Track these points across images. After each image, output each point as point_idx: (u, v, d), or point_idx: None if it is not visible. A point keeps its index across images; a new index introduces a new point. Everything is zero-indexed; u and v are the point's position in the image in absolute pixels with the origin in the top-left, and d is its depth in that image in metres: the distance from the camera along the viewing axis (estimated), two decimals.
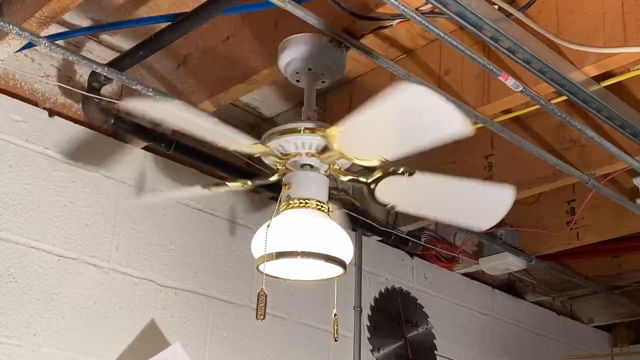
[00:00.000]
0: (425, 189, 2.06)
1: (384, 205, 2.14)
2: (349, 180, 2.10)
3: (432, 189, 2.06)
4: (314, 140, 2.00)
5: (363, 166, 2.03)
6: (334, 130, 1.89)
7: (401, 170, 1.99)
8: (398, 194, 2.09)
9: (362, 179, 2.06)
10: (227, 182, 2.18)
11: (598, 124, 2.64)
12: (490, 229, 3.73)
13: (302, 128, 1.99)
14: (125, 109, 2.11)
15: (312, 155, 2.02)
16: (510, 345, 4.29)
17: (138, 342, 2.67)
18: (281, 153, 2.05)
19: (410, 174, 1.99)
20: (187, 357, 2.68)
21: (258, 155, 2.07)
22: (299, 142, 2.00)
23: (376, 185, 2.05)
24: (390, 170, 2.00)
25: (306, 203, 2.03)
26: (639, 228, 3.51)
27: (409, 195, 2.09)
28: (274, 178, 2.12)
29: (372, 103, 1.65)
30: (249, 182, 2.17)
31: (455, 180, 2.03)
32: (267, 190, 3.06)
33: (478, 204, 2.08)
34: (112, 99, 2.74)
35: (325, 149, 2.00)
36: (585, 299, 4.89)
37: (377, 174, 2.03)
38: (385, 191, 2.06)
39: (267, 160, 2.10)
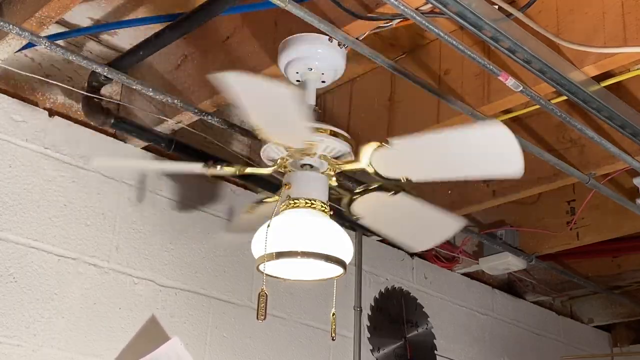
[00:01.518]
0: (422, 152, 2.00)
1: (397, 180, 2.12)
2: (350, 171, 2.11)
3: (426, 150, 2.00)
4: (337, 146, 2.03)
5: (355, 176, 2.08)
6: (372, 146, 1.93)
7: (392, 191, 2.03)
8: (402, 166, 2.06)
9: (359, 165, 2.06)
10: (264, 200, 2.21)
11: (598, 124, 2.64)
12: (490, 229, 3.78)
13: (329, 130, 2.03)
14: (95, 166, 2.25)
15: (309, 154, 2.03)
16: (510, 345, 4.29)
17: (139, 339, 2.67)
18: (270, 160, 2.08)
19: (395, 194, 2.04)
20: (186, 351, 2.68)
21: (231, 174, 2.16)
22: (324, 146, 2.03)
23: (359, 197, 2.08)
24: (379, 185, 2.04)
25: (306, 203, 2.04)
26: (639, 228, 3.51)
27: (415, 164, 2.05)
28: (269, 170, 2.13)
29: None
30: (244, 169, 2.18)
31: (440, 133, 1.99)
32: (268, 190, 3.06)
33: (485, 146, 1.99)
34: (112, 99, 2.74)
35: (344, 156, 2.02)
36: (585, 299, 4.89)
37: (366, 152, 2.04)
38: (387, 167, 2.05)
39: (267, 161, 2.11)
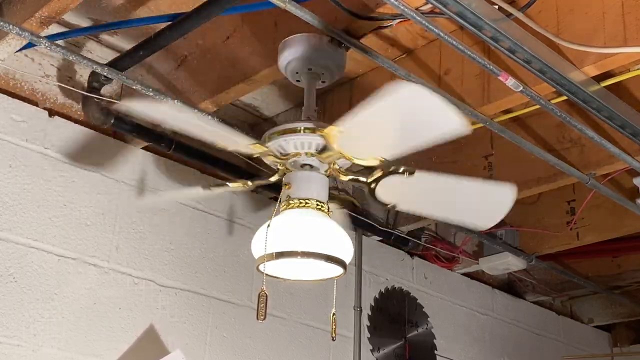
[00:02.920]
0: (426, 188, 2.06)
1: (385, 205, 2.14)
2: (350, 180, 2.10)
3: (432, 187, 2.06)
4: (314, 140, 2.00)
5: (363, 166, 2.04)
6: (332, 130, 1.89)
7: (401, 169, 1.99)
8: (398, 193, 2.09)
9: (363, 179, 2.07)
10: (227, 183, 2.18)
11: (598, 124, 2.64)
12: (490, 228, 3.76)
13: (302, 128, 1.99)
14: (124, 109, 2.11)
15: (312, 155, 2.02)
16: (510, 345, 4.29)
17: (138, 350, 2.66)
18: (281, 153, 2.05)
19: (411, 174, 1.99)
20: None
21: (257, 155, 2.07)
22: (299, 142, 2.00)
23: (376, 184, 2.05)
24: (391, 169, 2.00)
25: (306, 203, 2.03)
26: (639, 228, 3.51)
27: (410, 195, 2.09)
28: (274, 178, 2.12)
29: (369, 102, 1.65)
30: (249, 183, 2.17)
31: (455, 178, 2.03)
32: (267, 190, 3.06)
33: (479, 202, 2.08)
34: (112, 99, 2.74)
35: (324, 149, 1.99)
36: (585, 299, 4.89)
37: (377, 174, 2.03)
38: (385, 191, 2.06)
39: (267, 160, 2.10)
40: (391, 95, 1.60)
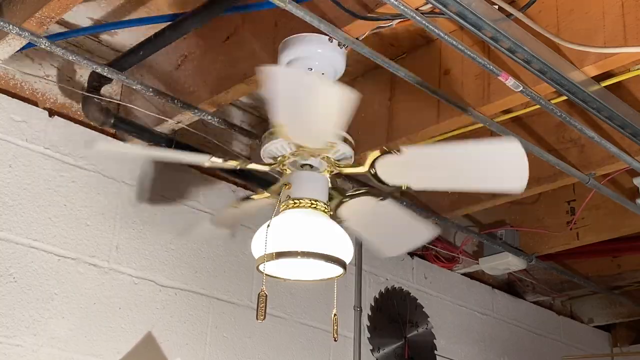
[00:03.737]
0: (428, 161, 2.02)
1: (399, 188, 2.12)
2: (350, 173, 2.11)
3: (433, 159, 2.02)
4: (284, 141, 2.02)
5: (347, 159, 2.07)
6: (280, 128, 1.89)
7: (389, 150, 1.99)
8: (404, 173, 2.07)
9: (361, 168, 2.06)
10: (252, 197, 2.21)
11: (598, 124, 2.64)
12: (490, 229, 3.78)
13: (268, 133, 2.02)
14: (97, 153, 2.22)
15: (297, 153, 2.02)
16: (510, 345, 4.29)
17: (134, 355, 2.66)
18: (271, 157, 2.07)
19: (398, 151, 1.98)
20: None
21: (238, 167, 2.12)
22: (279, 145, 2.04)
23: (375, 169, 2.05)
24: (381, 151, 2.01)
25: (306, 203, 2.03)
26: (639, 228, 3.51)
27: (416, 172, 2.05)
28: (267, 168, 2.13)
29: (273, 96, 1.68)
30: (267, 193, 2.18)
31: (450, 145, 1.99)
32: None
33: (492, 163, 1.97)
34: (112, 99, 2.74)
35: (299, 146, 2.01)
36: (585, 299, 4.89)
37: (370, 159, 2.03)
38: (390, 174, 2.05)
39: (266, 159, 2.11)
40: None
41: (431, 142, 2.95)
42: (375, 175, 2.05)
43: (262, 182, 2.85)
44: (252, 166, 2.16)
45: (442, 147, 1.98)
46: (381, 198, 2.13)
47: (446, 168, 2.00)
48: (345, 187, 2.40)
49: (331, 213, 2.08)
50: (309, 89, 1.70)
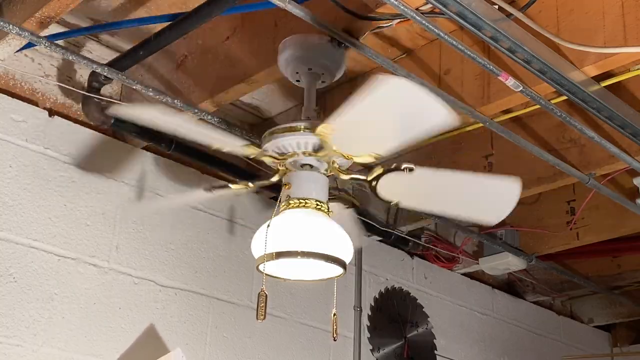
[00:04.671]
0: (428, 184, 2.05)
1: (388, 202, 2.13)
2: (350, 179, 2.10)
3: (434, 183, 2.05)
4: (309, 140, 1.99)
5: (362, 165, 2.04)
6: (325, 128, 1.89)
7: (402, 166, 1.99)
8: (400, 190, 2.08)
9: (363, 177, 2.06)
10: (229, 185, 2.18)
11: (598, 124, 2.64)
12: (490, 228, 3.78)
13: (297, 127, 1.99)
14: (121, 113, 2.11)
15: (310, 154, 2.02)
16: (510, 345, 4.29)
17: (137, 349, 2.66)
18: (278, 153, 2.04)
19: (411, 170, 1.98)
20: None
21: (253, 156, 2.08)
22: (294, 142, 2.00)
23: (377, 182, 2.05)
24: (392, 167, 2.00)
25: (306, 203, 2.03)
26: (639, 228, 3.51)
27: (412, 191, 2.08)
28: (275, 178, 2.12)
29: (356, 98, 1.65)
30: (251, 184, 2.17)
31: (457, 174, 2.03)
32: (268, 190, 3.06)
33: (484, 197, 2.05)
34: (112, 99, 2.74)
35: (320, 148, 1.99)
36: (585, 299, 4.89)
37: (378, 171, 2.03)
38: (387, 188, 2.06)
39: (266, 161, 2.10)
40: (377, 89, 1.60)
41: (430, 142, 2.96)
42: (372, 187, 2.06)
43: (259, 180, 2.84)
44: (259, 184, 2.16)
45: (451, 174, 2.00)
46: (410, 169, 2.06)
47: (442, 194, 2.04)
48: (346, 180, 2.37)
49: (331, 212, 2.08)
50: (414, 100, 1.66)
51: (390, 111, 1.70)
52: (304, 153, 2.01)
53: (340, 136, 1.88)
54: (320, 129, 1.91)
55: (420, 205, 2.22)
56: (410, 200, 2.16)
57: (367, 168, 2.05)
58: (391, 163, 2.00)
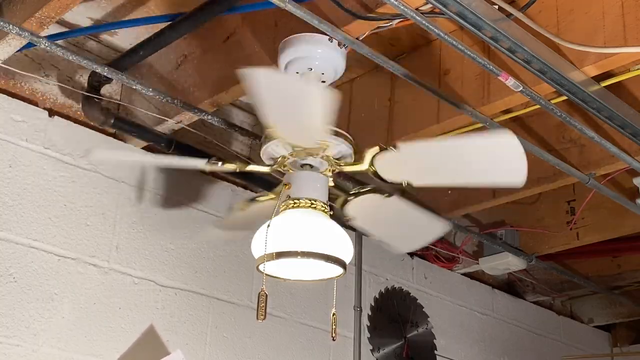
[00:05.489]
0: (428, 157, 2.01)
1: (399, 185, 2.12)
2: (350, 171, 2.11)
3: (432, 155, 2.01)
4: (339, 146, 2.03)
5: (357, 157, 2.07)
6: (271, 130, 1.91)
7: (385, 146, 1.99)
8: (403, 170, 2.07)
9: (361, 167, 2.06)
10: (257, 199, 2.21)
11: (598, 124, 2.64)
12: (490, 229, 3.78)
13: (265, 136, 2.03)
14: (95, 160, 2.26)
15: (297, 154, 2.03)
16: (510, 345, 4.29)
17: (138, 350, 2.66)
18: (273, 159, 2.07)
19: (394, 147, 1.98)
20: None
21: (239, 170, 2.13)
22: (276, 147, 2.04)
23: (374, 167, 2.05)
24: (378, 148, 2.01)
25: (306, 203, 2.03)
26: (639, 228, 3.51)
27: (416, 168, 2.05)
28: (266, 169, 2.13)
29: (256, 96, 1.69)
30: (272, 195, 2.17)
31: (445, 140, 1.99)
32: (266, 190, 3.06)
33: (493, 157, 1.96)
34: (112, 99, 2.74)
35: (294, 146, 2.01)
36: (585, 299, 4.88)
37: (368, 157, 2.03)
38: (389, 171, 2.05)
39: (267, 160, 2.11)
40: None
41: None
42: (375, 173, 2.06)
43: (262, 182, 2.85)
44: (251, 168, 2.16)
45: (438, 142, 1.98)
46: (387, 195, 2.13)
47: (445, 164, 2.00)
48: (348, 186, 2.39)
49: (331, 213, 2.08)
50: (291, 90, 1.72)
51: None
52: (291, 154, 2.03)
53: (283, 132, 1.93)
54: (269, 132, 1.95)
55: (433, 180, 2.16)
56: (419, 178, 2.11)
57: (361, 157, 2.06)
58: (384, 146, 2.01)
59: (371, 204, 2.17)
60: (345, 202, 2.17)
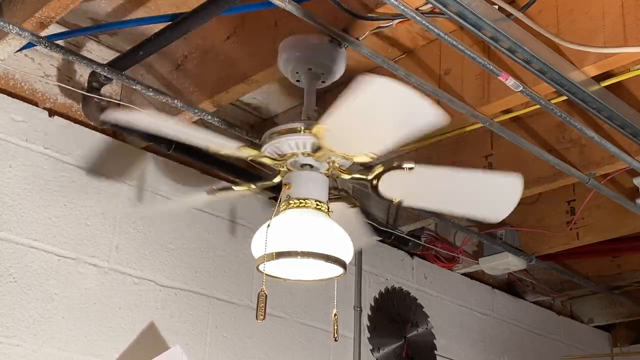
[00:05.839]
0: (429, 182, 2.05)
1: (390, 201, 2.13)
2: (351, 179, 2.11)
3: (436, 181, 2.05)
4: (307, 140, 1.99)
5: (362, 165, 2.04)
6: (321, 129, 1.89)
7: (403, 165, 1.99)
8: (401, 188, 2.08)
9: (363, 177, 2.07)
10: (232, 187, 2.18)
11: (598, 124, 2.64)
12: (490, 228, 3.78)
13: (300, 128, 1.99)
14: (118, 119, 2.12)
15: (309, 154, 2.02)
16: (510, 345, 4.29)
17: (138, 346, 2.67)
18: (278, 154, 2.05)
19: (411, 169, 1.99)
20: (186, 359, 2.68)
21: (251, 158, 2.08)
22: (293, 143, 2.00)
23: (378, 181, 2.05)
24: (393, 165, 2.01)
25: (306, 203, 2.03)
26: (639, 228, 3.51)
27: (414, 190, 2.07)
28: (277, 179, 2.12)
29: (344, 99, 1.66)
30: (253, 186, 2.17)
31: (458, 171, 2.02)
32: (268, 191, 3.06)
33: (486, 194, 2.04)
34: (112, 99, 2.74)
35: (318, 148, 1.99)
36: (585, 299, 4.89)
37: (378, 170, 2.03)
38: (388, 187, 2.06)
39: (267, 162, 2.11)
40: (363, 90, 1.62)
41: (430, 143, 2.95)
42: (373, 186, 2.06)
43: (260, 181, 2.84)
44: (260, 185, 2.16)
45: (452, 171, 2.00)
46: (409, 167, 2.07)
47: (444, 191, 2.03)
48: (349, 186, 2.38)
49: (331, 212, 2.08)
50: (400, 100, 1.68)
51: (379, 111, 1.71)
52: (303, 153, 2.02)
53: (334, 136, 1.89)
54: (316, 129, 1.91)
55: (422, 204, 2.21)
56: (412, 199, 2.15)
57: (367, 168, 2.05)
58: (392, 162, 2.00)
59: (406, 180, 2.05)
60: (374, 188, 2.07)
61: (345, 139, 1.90)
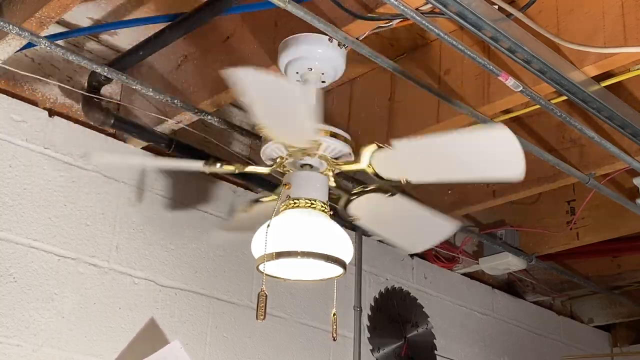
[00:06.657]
0: (426, 154, 2.00)
1: (398, 182, 2.11)
2: (349, 170, 2.11)
3: (432, 152, 1.99)
4: (336, 145, 2.03)
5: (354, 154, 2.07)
6: (372, 148, 1.93)
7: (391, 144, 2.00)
8: (401, 167, 2.06)
9: (359, 166, 2.06)
10: (261, 199, 2.22)
11: (598, 124, 2.64)
12: (490, 229, 3.78)
13: (329, 131, 2.02)
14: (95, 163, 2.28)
15: (309, 154, 2.03)
16: (510, 345, 4.29)
17: (138, 341, 2.67)
18: (272, 159, 2.08)
19: (389, 145, 1.99)
20: (186, 355, 2.68)
21: (238, 171, 2.13)
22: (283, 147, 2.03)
23: (375, 164, 2.05)
24: (379, 146, 2.02)
25: (306, 203, 2.04)
26: (639, 228, 3.51)
27: (414, 165, 2.04)
28: (266, 170, 2.13)
29: (440, 134, 1.73)
30: (276, 196, 2.18)
31: (443, 135, 1.97)
32: (266, 190, 3.06)
33: (490, 151, 1.93)
34: (112, 99, 2.74)
35: (343, 157, 2.01)
36: (585, 299, 4.89)
37: (368, 153, 2.04)
38: (388, 169, 2.05)
39: (266, 161, 2.11)
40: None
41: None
42: (374, 171, 2.06)
43: (263, 182, 2.85)
44: (250, 169, 2.16)
45: (433, 138, 1.96)
46: (390, 194, 2.12)
47: (441, 160, 1.99)
48: (350, 186, 2.39)
49: (332, 213, 2.08)
50: (276, 90, 1.72)
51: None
52: (289, 155, 2.03)
53: (274, 129, 1.94)
54: (263, 130, 1.96)
55: (431, 177, 2.14)
56: (417, 174, 2.10)
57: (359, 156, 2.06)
58: (380, 144, 2.01)
59: (376, 203, 2.16)
60: (348, 201, 2.16)
61: (280, 132, 1.94)
